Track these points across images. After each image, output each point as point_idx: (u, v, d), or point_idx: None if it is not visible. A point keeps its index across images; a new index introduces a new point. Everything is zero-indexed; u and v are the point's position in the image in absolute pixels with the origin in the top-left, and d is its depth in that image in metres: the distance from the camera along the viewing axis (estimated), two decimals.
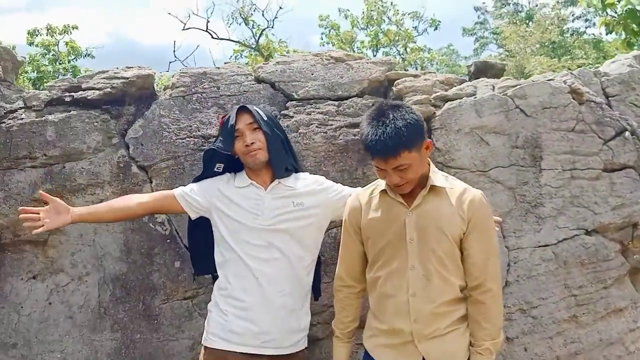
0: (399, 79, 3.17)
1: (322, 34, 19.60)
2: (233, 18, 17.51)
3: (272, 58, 3.21)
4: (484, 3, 23.30)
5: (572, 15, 19.05)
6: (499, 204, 2.85)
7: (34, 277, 2.85)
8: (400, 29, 19.01)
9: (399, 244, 2.12)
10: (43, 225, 2.26)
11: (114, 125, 2.95)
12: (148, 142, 2.91)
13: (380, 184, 2.20)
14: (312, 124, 2.95)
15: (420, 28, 19.57)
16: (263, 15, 18.58)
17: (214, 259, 2.45)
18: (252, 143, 2.35)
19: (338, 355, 2.35)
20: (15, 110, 2.95)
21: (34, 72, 14.70)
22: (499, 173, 2.89)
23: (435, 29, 19.22)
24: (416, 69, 16.66)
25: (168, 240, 2.86)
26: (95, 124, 2.91)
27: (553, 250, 2.86)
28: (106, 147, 2.91)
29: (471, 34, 23.18)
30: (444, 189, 2.12)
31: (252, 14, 17.31)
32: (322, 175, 2.59)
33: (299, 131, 2.93)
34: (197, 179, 2.52)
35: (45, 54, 15.54)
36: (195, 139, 2.91)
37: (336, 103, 3.03)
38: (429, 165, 2.16)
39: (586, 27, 19.31)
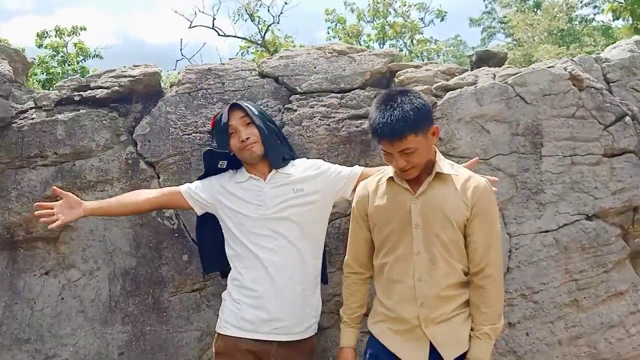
0: (400, 70, 3.20)
1: (328, 28, 19.61)
2: (239, 14, 17.54)
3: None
4: None
5: (581, 2, 18.87)
6: (500, 191, 2.88)
7: (46, 273, 2.91)
8: (406, 20, 18.95)
9: (405, 230, 2.16)
10: (58, 220, 2.36)
11: (122, 123, 3.01)
12: (155, 139, 2.97)
13: (388, 171, 2.25)
14: (315, 117, 3.00)
15: (426, 19, 19.49)
16: (269, 11, 18.65)
17: (222, 257, 2.53)
18: (247, 138, 2.42)
19: (346, 339, 2.38)
20: (26, 111, 3.01)
21: (43, 73, 14.80)
22: (500, 161, 2.92)
23: (442, 20, 19.12)
24: (422, 60, 16.60)
25: (176, 235, 2.91)
26: (104, 122, 2.98)
27: (554, 236, 2.88)
28: (115, 145, 2.97)
29: (478, 24, 23.06)
30: (449, 175, 2.16)
31: (257, 10, 17.34)
32: None
33: (303, 124, 2.98)
34: (201, 178, 2.60)
35: (54, 56, 15.64)
36: (201, 135, 2.96)
37: (339, 95, 3.07)
38: (435, 152, 2.20)
39: (595, 14, 19.12)
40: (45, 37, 15.62)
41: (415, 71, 3.19)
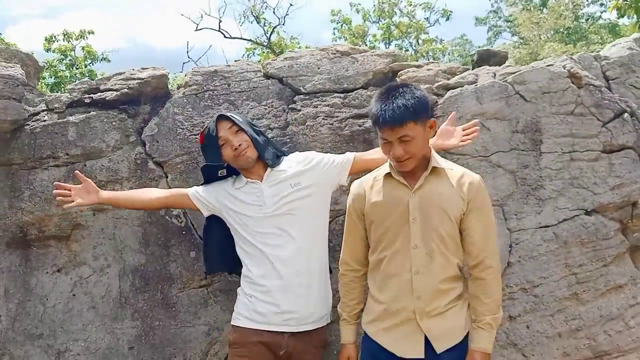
0: (402, 70, 3.27)
1: (334, 29, 19.63)
2: (245, 17, 17.61)
3: None
4: None
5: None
6: (501, 187, 2.94)
7: (58, 270, 2.99)
8: (412, 20, 18.97)
9: (402, 225, 2.22)
10: (74, 201, 2.56)
11: (131, 124, 3.09)
12: (163, 139, 3.05)
13: (384, 168, 2.31)
14: (318, 116, 3.07)
15: (432, 19, 19.49)
16: (274, 12, 18.76)
17: (224, 259, 2.68)
18: (240, 145, 2.52)
19: (347, 336, 2.45)
20: (38, 113, 3.09)
21: (51, 77, 14.91)
22: (500, 158, 2.98)
23: (447, 19, 19.10)
24: (428, 60, 16.62)
25: (184, 232, 2.99)
26: (114, 123, 3.06)
27: (554, 231, 2.93)
28: (124, 145, 3.05)
29: (484, 23, 23.04)
30: (444, 170, 2.23)
31: (263, 12, 17.41)
32: None
33: (307, 124, 3.05)
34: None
35: (62, 60, 15.75)
36: None
37: (342, 95, 3.15)
38: (430, 149, 2.27)
39: (601, 12, 19.07)
40: (54, 41, 15.72)
41: (417, 71, 3.25)
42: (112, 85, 3.16)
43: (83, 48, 15.86)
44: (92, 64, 16.08)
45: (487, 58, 3.58)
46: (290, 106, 3.12)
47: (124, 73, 3.24)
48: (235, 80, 3.19)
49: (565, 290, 2.90)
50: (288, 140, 3.04)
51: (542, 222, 2.94)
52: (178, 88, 3.29)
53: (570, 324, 2.89)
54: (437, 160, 2.26)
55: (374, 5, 18.93)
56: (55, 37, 15.70)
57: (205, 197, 2.63)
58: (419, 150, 2.17)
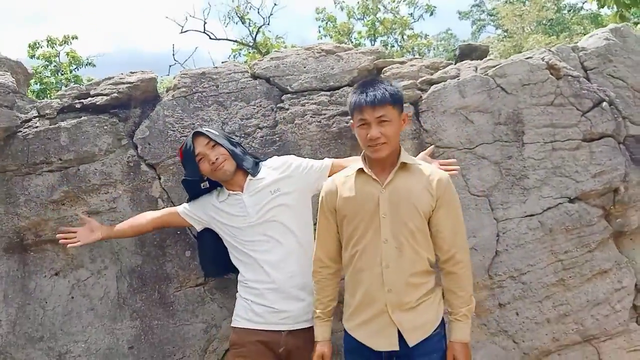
0: (386, 66, 3.34)
1: (319, 27, 19.66)
2: (229, 17, 17.64)
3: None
4: None
5: None
6: (486, 178, 3.02)
7: (56, 273, 3.02)
8: (396, 16, 19.04)
9: (373, 220, 2.28)
10: (79, 241, 2.79)
11: (122, 128, 3.14)
12: (155, 142, 3.10)
13: (356, 165, 2.37)
14: (306, 115, 3.13)
15: (416, 15, 19.59)
16: (259, 12, 18.77)
17: (220, 263, 2.78)
18: (217, 159, 2.60)
19: (320, 333, 2.47)
20: (30, 120, 3.12)
21: (36, 84, 14.80)
22: (485, 149, 3.06)
23: (431, 14, 19.21)
24: (413, 55, 16.70)
25: (178, 232, 3.04)
26: (105, 127, 3.10)
27: (539, 219, 3.02)
28: (116, 149, 3.09)
29: (468, 17, 23.17)
30: (413, 165, 2.31)
31: (248, 13, 17.42)
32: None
33: (295, 122, 3.11)
34: (189, 201, 2.80)
35: (47, 66, 15.67)
36: None
37: (328, 93, 3.21)
38: (401, 146, 2.36)
39: (583, 2, 19.25)
40: (37, 48, 15.62)
41: (401, 67, 3.32)
42: (102, 90, 3.20)
43: (67, 53, 15.78)
44: (78, 69, 15.99)
45: (469, 52, 3.65)
46: (278, 105, 3.18)
47: (113, 78, 3.27)
48: (223, 81, 3.25)
49: (552, 277, 2.98)
50: (277, 139, 3.10)
51: (527, 211, 3.02)
52: (167, 91, 3.33)
53: (558, 309, 2.97)
54: (406, 156, 2.34)
55: (358, 2, 19.00)
56: (38, 43, 15.61)
57: (195, 212, 2.74)
58: (394, 135, 2.26)
